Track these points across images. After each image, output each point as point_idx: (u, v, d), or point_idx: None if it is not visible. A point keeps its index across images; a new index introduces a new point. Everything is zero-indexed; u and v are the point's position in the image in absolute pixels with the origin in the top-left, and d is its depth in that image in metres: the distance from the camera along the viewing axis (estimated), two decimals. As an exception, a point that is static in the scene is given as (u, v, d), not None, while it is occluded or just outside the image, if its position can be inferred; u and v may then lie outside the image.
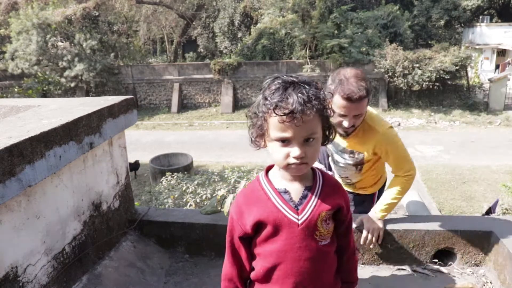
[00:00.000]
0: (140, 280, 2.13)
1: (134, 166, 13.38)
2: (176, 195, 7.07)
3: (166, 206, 6.93)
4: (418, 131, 18.68)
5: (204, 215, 2.51)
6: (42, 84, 13.75)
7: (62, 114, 1.84)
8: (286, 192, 1.21)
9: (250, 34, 25.01)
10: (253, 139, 1.23)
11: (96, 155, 2.08)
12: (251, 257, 1.29)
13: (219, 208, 2.58)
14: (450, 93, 21.37)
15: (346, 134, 2.15)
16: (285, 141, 1.13)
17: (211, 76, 22.50)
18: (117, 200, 2.31)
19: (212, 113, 22.31)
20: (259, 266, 1.26)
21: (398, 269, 2.30)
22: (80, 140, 1.78)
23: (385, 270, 2.31)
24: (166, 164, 13.34)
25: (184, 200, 6.78)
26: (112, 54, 22.14)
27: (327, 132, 1.20)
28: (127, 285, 2.03)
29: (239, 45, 25.65)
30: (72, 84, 21.41)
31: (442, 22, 28.19)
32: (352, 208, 2.42)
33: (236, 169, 7.60)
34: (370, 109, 2.17)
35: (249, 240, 1.27)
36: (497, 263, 2.15)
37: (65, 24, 21.82)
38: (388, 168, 2.36)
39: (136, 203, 2.66)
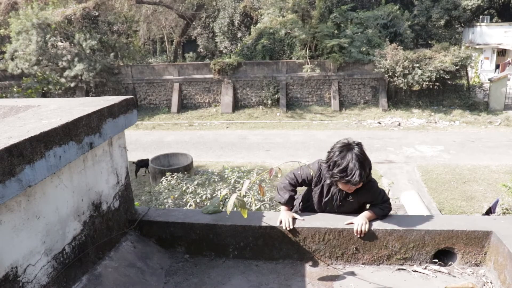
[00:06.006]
0: (140, 280, 2.13)
1: (145, 163, 13.52)
2: (176, 195, 7.07)
3: (166, 206, 6.93)
4: (418, 131, 18.69)
5: (205, 215, 2.50)
6: (41, 83, 13.71)
7: (62, 114, 1.84)
8: None
9: (250, 34, 25.01)
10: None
11: (96, 155, 2.08)
12: None
13: (221, 208, 2.58)
14: (450, 93, 21.37)
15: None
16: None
17: (211, 76, 22.50)
18: (117, 200, 2.30)
19: (212, 113, 22.31)
20: None
21: (398, 269, 2.30)
22: (80, 140, 1.78)
23: (385, 270, 2.31)
24: (166, 164, 13.34)
25: (184, 200, 6.78)
26: (112, 54, 22.14)
27: None
28: (127, 285, 2.03)
29: (239, 45, 25.64)
30: (72, 84, 21.41)
31: (442, 22, 28.20)
32: None
33: (236, 169, 7.60)
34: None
35: None
36: (497, 263, 2.15)
37: (64, 24, 21.81)
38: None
39: (136, 203, 2.65)
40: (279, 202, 2.62)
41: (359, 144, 2.27)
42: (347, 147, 2.25)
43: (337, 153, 2.24)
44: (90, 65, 21.03)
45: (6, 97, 11.48)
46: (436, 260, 2.31)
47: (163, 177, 8.51)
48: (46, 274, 1.70)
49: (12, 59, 21.08)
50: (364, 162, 2.21)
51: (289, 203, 2.58)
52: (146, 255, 2.33)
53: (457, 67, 19.81)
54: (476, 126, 19.11)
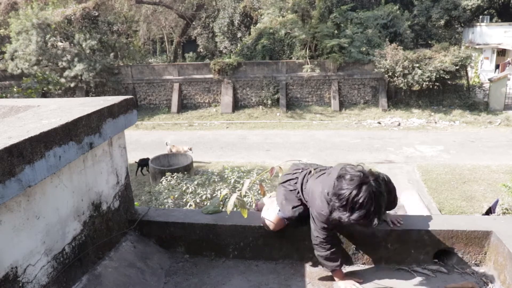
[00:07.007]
0: (140, 280, 2.13)
1: (145, 162, 13.54)
2: (176, 195, 7.08)
3: (166, 206, 6.94)
4: (418, 131, 18.69)
5: (205, 215, 2.50)
6: (41, 84, 13.70)
7: (62, 114, 1.84)
8: None
9: (250, 34, 25.01)
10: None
11: (96, 155, 2.08)
12: None
13: (221, 208, 2.57)
14: (450, 93, 21.37)
15: None
16: None
17: (211, 76, 22.50)
18: (117, 200, 2.30)
19: (212, 113, 22.31)
20: None
21: (398, 269, 2.30)
22: (80, 140, 1.78)
23: (385, 270, 2.31)
24: (166, 164, 13.34)
25: (184, 200, 6.79)
26: (112, 54, 22.13)
27: None
28: (127, 285, 2.03)
29: (239, 45, 25.64)
30: (72, 84, 21.40)
31: (442, 22, 28.19)
32: None
33: (236, 169, 7.61)
34: None
35: None
36: (497, 263, 2.15)
37: (64, 24, 21.81)
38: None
39: (136, 203, 2.66)
40: (333, 271, 2.18)
41: (377, 178, 1.84)
42: (361, 181, 1.79)
43: (354, 191, 1.77)
44: (90, 65, 21.03)
45: (6, 97, 11.48)
46: (436, 260, 2.31)
47: (163, 177, 8.52)
48: (46, 274, 1.70)
49: (12, 59, 21.07)
50: (380, 200, 1.80)
51: (341, 262, 2.18)
52: (146, 255, 2.33)
53: (457, 67, 19.81)
54: (476, 126, 19.11)
